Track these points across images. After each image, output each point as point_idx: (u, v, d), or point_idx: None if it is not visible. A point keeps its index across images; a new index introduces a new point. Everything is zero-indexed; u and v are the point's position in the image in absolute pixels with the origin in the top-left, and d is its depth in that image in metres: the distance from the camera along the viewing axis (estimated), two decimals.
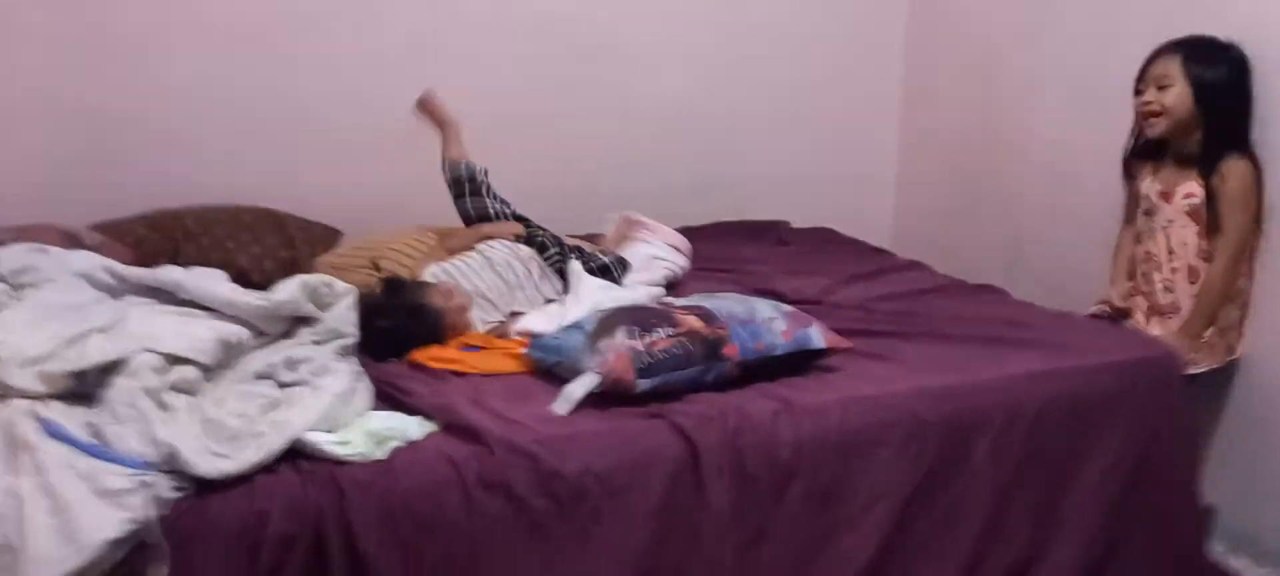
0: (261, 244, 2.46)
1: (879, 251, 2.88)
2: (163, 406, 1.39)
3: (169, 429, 1.33)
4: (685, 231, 3.03)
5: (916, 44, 3.29)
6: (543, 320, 2.10)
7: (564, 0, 2.92)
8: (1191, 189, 2.15)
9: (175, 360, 1.45)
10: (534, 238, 2.47)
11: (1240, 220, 2.10)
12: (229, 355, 1.54)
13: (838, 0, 3.22)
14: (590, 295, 2.19)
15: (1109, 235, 2.60)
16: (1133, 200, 2.35)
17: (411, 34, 2.79)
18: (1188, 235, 2.17)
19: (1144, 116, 2.21)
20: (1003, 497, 1.80)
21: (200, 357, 1.46)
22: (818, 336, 1.84)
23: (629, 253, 2.52)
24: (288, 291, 1.62)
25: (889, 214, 3.47)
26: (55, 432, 1.28)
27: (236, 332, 1.54)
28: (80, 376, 1.41)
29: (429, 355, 1.93)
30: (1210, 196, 2.12)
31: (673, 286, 2.48)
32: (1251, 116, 2.14)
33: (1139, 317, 2.30)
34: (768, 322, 1.83)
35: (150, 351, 1.42)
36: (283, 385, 1.52)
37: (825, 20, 3.22)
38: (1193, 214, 2.16)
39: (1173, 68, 2.14)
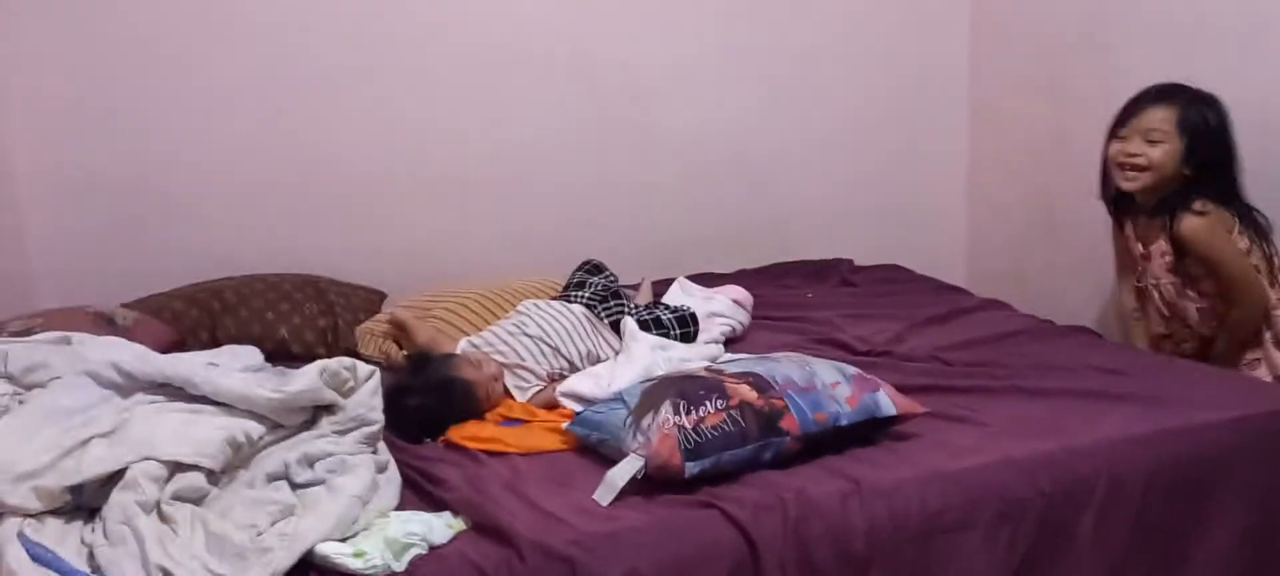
0: (301, 313, 2.38)
1: (954, 289, 2.66)
2: (164, 520, 1.28)
3: (166, 549, 1.22)
4: (744, 275, 2.88)
5: (980, 58, 3.06)
6: (589, 382, 1.95)
7: (601, 42, 2.79)
8: (1165, 247, 2.07)
9: (179, 466, 1.33)
10: (583, 288, 2.32)
11: (1226, 251, 2.00)
12: (240, 456, 1.42)
13: (894, 19, 3.03)
14: (643, 356, 2.03)
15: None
16: (1125, 249, 2.22)
17: (428, 84, 2.68)
18: (1174, 295, 2.11)
19: (1123, 167, 2.08)
20: None
21: (205, 462, 1.35)
22: (887, 402, 1.65)
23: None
24: (305, 380, 1.50)
25: (962, 245, 3.24)
26: (40, 559, 1.17)
27: (247, 430, 1.42)
28: (78, 490, 1.31)
29: (467, 434, 1.80)
30: (1179, 249, 2.04)
31: (733, 342, 2.31)
32: (1236, 166, 2.04)
33: None
34: (830, 389, 1.64)
35: (150, 459, 1.31)
36: (297, 486, 1.39)
37: (881, 39, 3.03)
38: (1173, 271, 2.08)
39: (1167, 121, 2.01)
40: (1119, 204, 2.18)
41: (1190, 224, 2.01)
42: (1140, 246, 2.14)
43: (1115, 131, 2.10)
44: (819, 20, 2.96)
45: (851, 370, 1.71)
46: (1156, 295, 2.14)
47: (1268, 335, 2.04)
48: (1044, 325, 2.27)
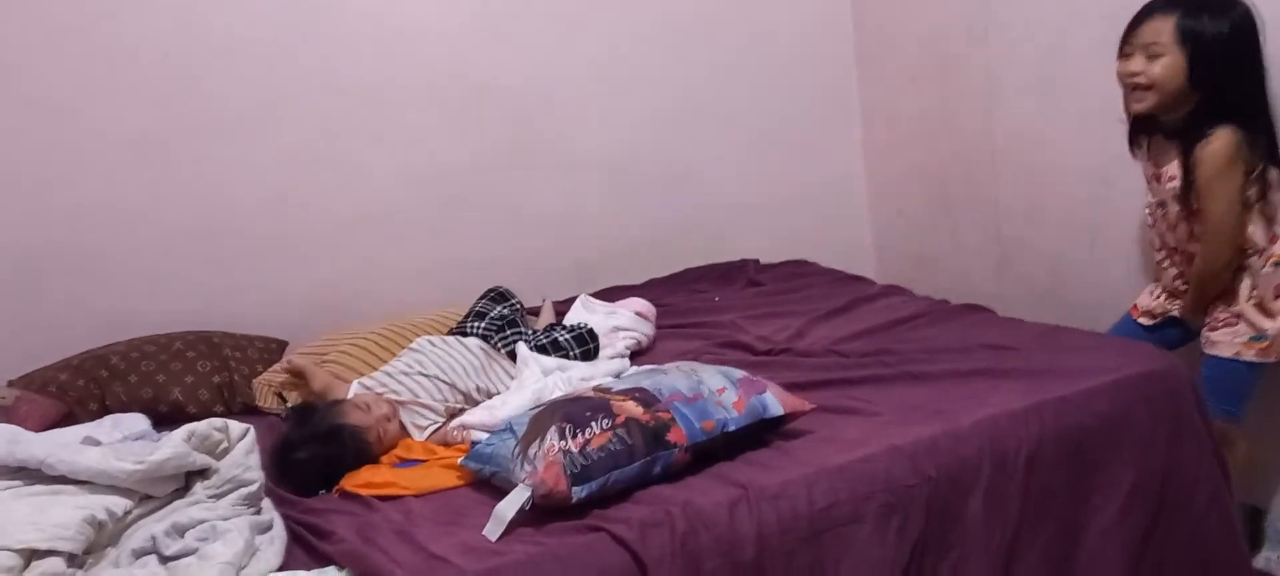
0: (194, 372, 2.31)
1: (857, 279, 2.68)
2: None
3: None
4: (655, 284, 2.89)
5: (866, 52, 3.11)
6: (484, 414, 1.92)
7: (500, 68, 2.77)
8: (1174, 171, 1.91)
9: (36, 553, 1.28)
10: (480, 319, 2.30)
11: (1219, 198, 1.81)
12: (104, 534, 1.36)
13: (780, 26, 3.06)
14: (533, 381, 2.01)
15: (1093, 224, 2.41)
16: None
17: (331, 121, 2.64)
18: (1177, 220, 1.95)
19: (1129, 89, 1.89)
20: (1008, 558, 1.59)
21: (62, 546, 1.29)
22: (775, 403, 1.65)
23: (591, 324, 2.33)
24: (170, 447, 1.45)
25: (867, 233, 3.28)
26: None
27: (110, 506, 1.37)
28: None
29: (361, 481, 1.75)
30: (1188, 175, 1.86)
31: (639, 354, 2.30)
32: (1265, 81, 1.81)
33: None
34: (717, 396, 1.64)
35: (2, 548, 1.25)
36: (166, 559, 1.34)
37: (771, 47, 3.06)
38: (1179, 198, 1.91)
39: (1165, 32, 1.80)
40: (1138, 123, 1.98)
41: (1200, 152, 1.81)
42: (1152, 166, 1.96)
43: (1121, 49, 1.89)
44: (717, 36, 2.98)
45: (739, 374, 1.71)
46: (1161, 218, 1.99)
47: (1246, 292, 1.87)
48: (939, 306, 2.30)
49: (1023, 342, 1.94)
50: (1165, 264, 2.05)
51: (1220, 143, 1.80)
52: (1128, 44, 1.88)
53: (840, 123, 3.20)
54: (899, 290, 2.48)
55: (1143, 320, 2.10)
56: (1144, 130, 1.99)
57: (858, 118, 3.19)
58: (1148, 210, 2.06)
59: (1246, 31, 1.79)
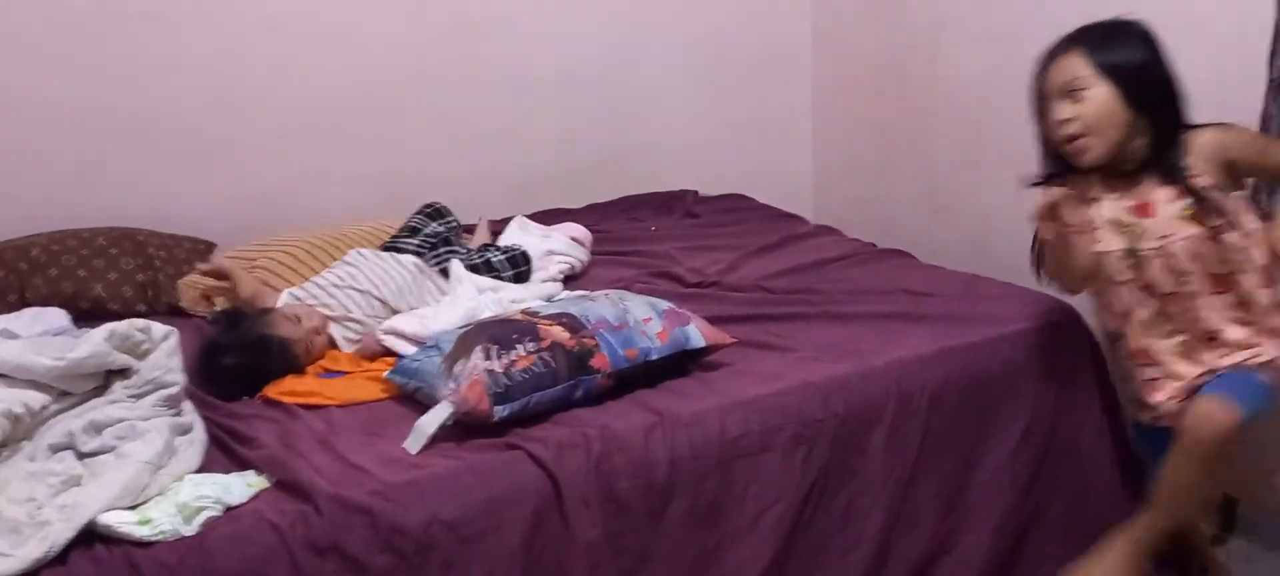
0: (118, 268, 2.28)
1: (789, 217, 2.74)
2: None
3: None
4: (595, 209, 2.90)
5: None
6: (415, 323, 1.93)
7: None
8: (1172, 192, 1.62)
9: None
10: (414, 235, 2.30)
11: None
12: (20, 428, 1.36)
13: None
14: (467, 298, 2.03)
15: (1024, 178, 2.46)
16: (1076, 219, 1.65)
17: (273, 18, 2.56)
18: (1195, 251, 1.62)
19: (1064, 144, 1.63)
20: (904, 489, 1.68)
21: None
22: (696, 335, 1.70)
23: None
24: (90, 345, 1.45)
25: (808, 172, 3.32)
26: None
27: (26, 400, 1.37)
28: None
29: (285, 389, 1.77)
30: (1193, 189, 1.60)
31: (572, 279, 2.33)
32: (1179, 96, 1.64)
33: (1181, 367, 1.66)
34: (642, 325, 1.69)
35: None
36: (83, 455, 1.35)
37: None
38: (1196, 213, 1.61)
39: (1079, 66, 1.60)
40: (1063, 172, 1.69)
41: (1208, 136, 1.61)
42: (1132, 202, 1.65)
43: (1036, 108, 1.68)
44: None
45: (664, 305, 1.76)
46: (1154, 267, 1.63)
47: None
48: (867, 249, 2.36)
49: (941, 289, 2.02)
50: (1157, 328, 1.67)
51: (1213, 127, 1.63)
52: (1042, 99, 1.65)
53: (791, 61, 3.21)
54: (830, 231, 2.54)
55: (1166, 422, 1.67)
56: (1071, 174, 1.68)
57: (809, 57, 3.21)
58: (1112, 270, 1.67)
59: (1154, 43, 1.63)
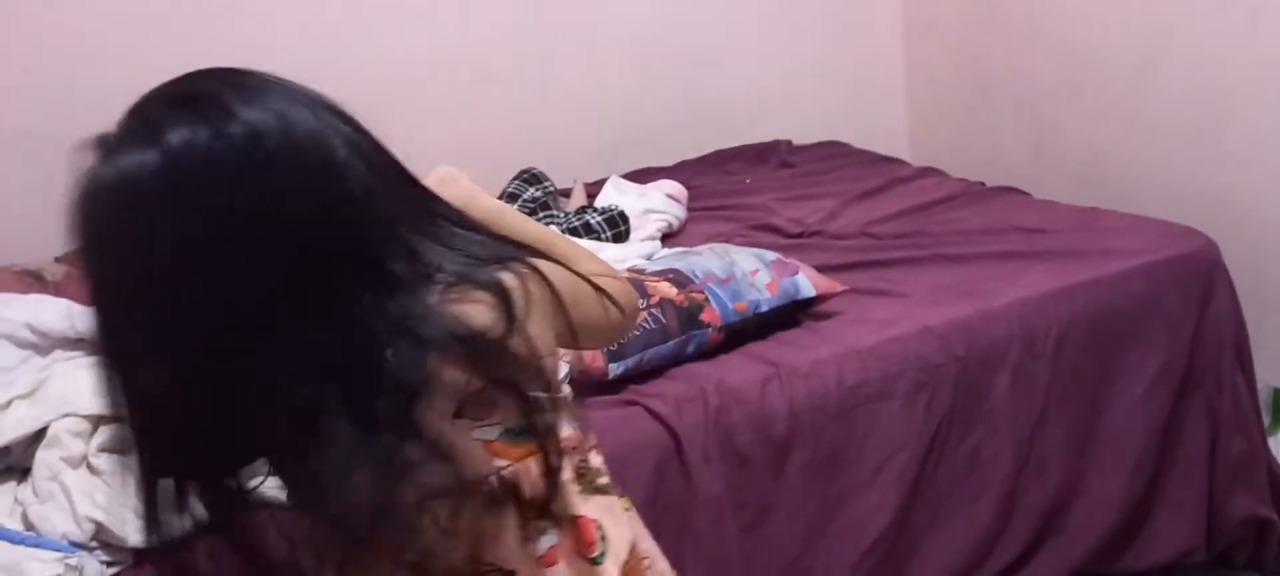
0: None
1: (889, 160, 2.66)
2: (94, 472, 1.30)
3: (95, 501, 1.24)
4: (686, 166, 2.87)
5: None
6: None
7: None
8: None
9: (103, 418, 1.34)
10: (514, 202, 2.32)
11: None
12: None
13: None
14: None
15: (1134, 109, 2.34)
16: None
17: None
18: None
19: None
20: (1031, 433, 1.63)
21: None
22: (806, 284, 1.67)
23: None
24: None
25: (902, 115, 3.22)
26: None
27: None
28: (6, 452, 1.32)
29: None
30: None
31: (670, 236, 2.32)
32: None
33: None
34: (750, 277, 1.66)
35: (71, 415, 1.32)
36: None
37: None
38: None
39: None
40: None
41: None
42: None
43: None
44: None
45: (772, 256, 1.73)
46: None
47: None
48: (975, 188, 2.28)
49: (1057, 225, 1.94)
50: None
51: None
52: None
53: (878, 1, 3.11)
54: (934, 171, 2.46)
55: None
56: None
57: None
58: None
59: None
